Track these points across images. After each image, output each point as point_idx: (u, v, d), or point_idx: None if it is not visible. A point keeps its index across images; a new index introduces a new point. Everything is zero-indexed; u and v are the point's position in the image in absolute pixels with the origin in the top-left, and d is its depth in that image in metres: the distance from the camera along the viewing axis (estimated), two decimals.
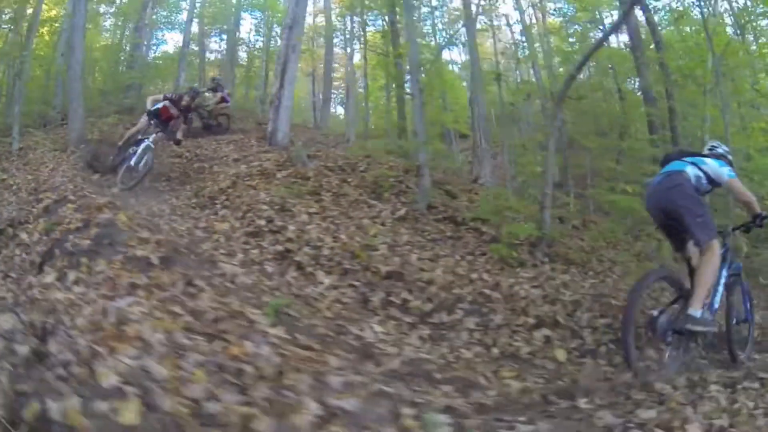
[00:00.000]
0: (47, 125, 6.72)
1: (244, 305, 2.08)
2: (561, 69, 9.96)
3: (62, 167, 4.81)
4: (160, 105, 5.44)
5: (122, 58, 8.91)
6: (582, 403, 1.77)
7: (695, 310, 2.21)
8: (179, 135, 5.47)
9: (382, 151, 6.26)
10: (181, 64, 8.61)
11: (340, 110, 15.33)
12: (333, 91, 14.38)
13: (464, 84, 14.03)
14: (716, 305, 2.40)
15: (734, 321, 2.52)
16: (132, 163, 4.99)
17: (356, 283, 2.78)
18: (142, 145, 5.06)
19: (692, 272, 2.40)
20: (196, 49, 10.83)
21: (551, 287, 3.17)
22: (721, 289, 2.44)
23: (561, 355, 2.49)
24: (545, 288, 3.17)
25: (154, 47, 10.59)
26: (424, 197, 4.17)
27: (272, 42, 11.90)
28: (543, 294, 3.01)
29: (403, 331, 2.49)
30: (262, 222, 3.45)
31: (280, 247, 3.12)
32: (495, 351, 2.47)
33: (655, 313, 2.33)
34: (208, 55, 12.13)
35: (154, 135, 5.21)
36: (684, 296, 2.35)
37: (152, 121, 5.33)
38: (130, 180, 4.87)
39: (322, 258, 3.00)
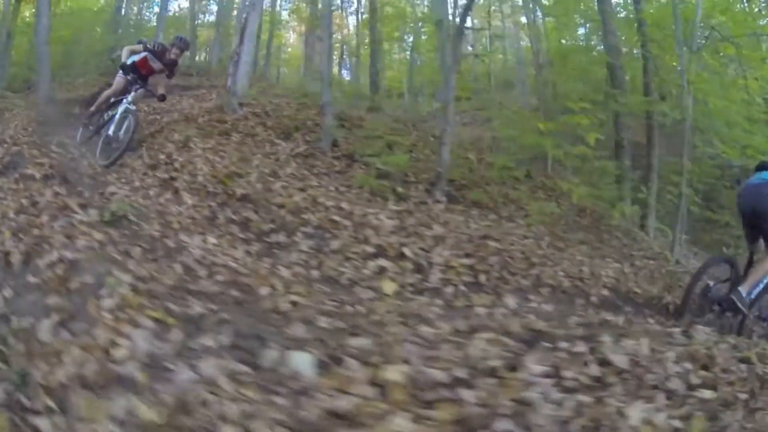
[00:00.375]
0: (30, 88, 7.70)
1: (82, 205, 2.74)
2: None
3: (23, 122, 5.61)
4: (137, 57, 4.81)
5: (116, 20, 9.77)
6: (322, 322, 1.70)
7: (744, 290, 2.83)
8: (161, 90, 4.87)
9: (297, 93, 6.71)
10: (159, 25, 9.30)
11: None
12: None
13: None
14: (752, 296, 2.88)
15: (756, 313, 3.05)
16: (110, 132, 4.38)
17: (212, 204, 3.35)
18: (120, 109, 4.48)
19: (749, 265, 3.09)
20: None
21: (418, 222, 3.40)
22: (762, 286, 2.94)
23: (389, 287, 2.49)
24: (406, 221, 3.34)
25: (149, 10, 11.41)
26: (327, 136, 4.63)
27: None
28: (400, 226, 3.23)
29: (234, 245, 2.86)
30: (162, 156, 4.10)
31: (166, 176, 3.76)
32: (315, 273, 2.58)
33: (711, 283, 2.96)
34: (204, 17, 12.79)
35: (133, 93, 4.59)
36: (734, 280, 3.01)
37: (129, 77, 4.72)
38: (111, 152, 4.26)
39: (196, 183, 3.59)
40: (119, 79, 4.86)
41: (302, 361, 1.36)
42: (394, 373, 1.28)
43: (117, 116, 4.48)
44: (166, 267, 2.22)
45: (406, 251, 2.88)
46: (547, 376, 1.36)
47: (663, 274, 3.99)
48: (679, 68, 6.51)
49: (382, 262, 2.76)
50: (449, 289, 2.61)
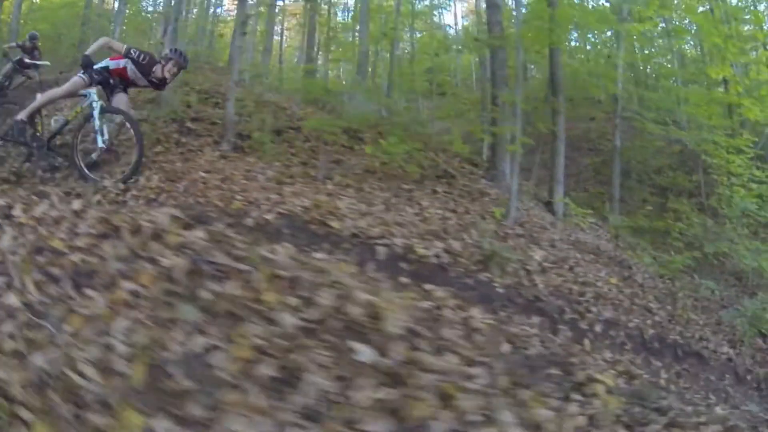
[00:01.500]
0: None
1: None
2: None
3: None
4: (114, 64, 4.09)
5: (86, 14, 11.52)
6: None
7: None
8: (124, 107, 4.05)
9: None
10: (117, 20, 10.79)
11: None
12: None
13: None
14: None
15: None
16: (102, 144, 3.85)
17: None
18: (95, 112, 3.80)
19: None
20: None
21: (164, 159, 4.27)
22: None
23: (94, 199, 3.37)
24: (151, 158, 4.23)
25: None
26: (164, 104, 5.55)
27: None
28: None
29: None
30: None
31: None
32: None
33: None
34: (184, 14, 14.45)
35: (92, 89, 3.92)
36: None
37: (88, 79, 3.97)
38: (118, 165, 3.92)
39: None
40: (77, 80, 4.04)
41: None
42: None
43: (96, 122, 3.81)
44: None
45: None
46: None
47: (448, 225, 4.15)
48: None
49: (107, 182, 3.67)
50: (132, 202, 3.37)
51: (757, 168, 7.07)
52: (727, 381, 4.76)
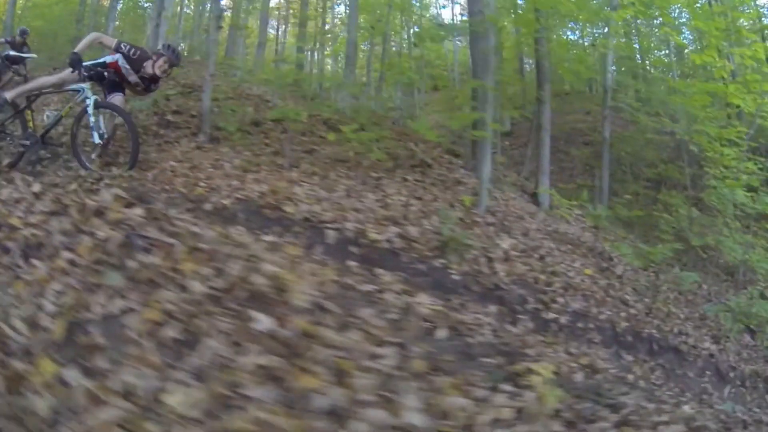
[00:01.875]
0: None
1: None
2: None
3: None
4: (110, 59, 4.11)
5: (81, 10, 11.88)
6: None
7: None
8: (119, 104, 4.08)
9: None
10: (111, 15, 11.09)
11: None
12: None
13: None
14: None
15: None
16: (98, 140, 3.91)
17: None
18: (88, 107, 3.86)
19: None
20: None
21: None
22: None
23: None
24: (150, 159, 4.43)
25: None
26: (148, 97, 5.79)
27: None
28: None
29: None
30: None
31: None
32: None
33: None
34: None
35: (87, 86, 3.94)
36: None
37: (81, 76, 3.91)
38: (113, 158, 4.04)
39: None
40: (71, 73, 3.99)
41: None
42: None
43: (91, 117, 3.86)
44: None
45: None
46: None
47: (410, 211, 4.17)
48: None
49: (83, 172, 3.86)
50: (104, 190, 3.52)
51: (748, 159, 7.11)
52: (707, 378, 4.71)
